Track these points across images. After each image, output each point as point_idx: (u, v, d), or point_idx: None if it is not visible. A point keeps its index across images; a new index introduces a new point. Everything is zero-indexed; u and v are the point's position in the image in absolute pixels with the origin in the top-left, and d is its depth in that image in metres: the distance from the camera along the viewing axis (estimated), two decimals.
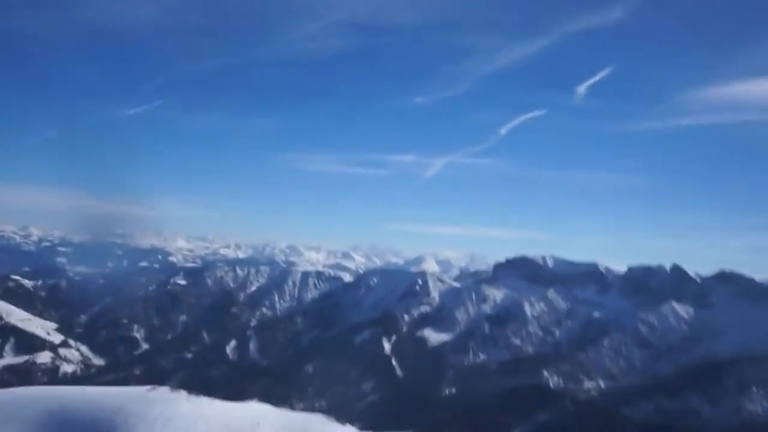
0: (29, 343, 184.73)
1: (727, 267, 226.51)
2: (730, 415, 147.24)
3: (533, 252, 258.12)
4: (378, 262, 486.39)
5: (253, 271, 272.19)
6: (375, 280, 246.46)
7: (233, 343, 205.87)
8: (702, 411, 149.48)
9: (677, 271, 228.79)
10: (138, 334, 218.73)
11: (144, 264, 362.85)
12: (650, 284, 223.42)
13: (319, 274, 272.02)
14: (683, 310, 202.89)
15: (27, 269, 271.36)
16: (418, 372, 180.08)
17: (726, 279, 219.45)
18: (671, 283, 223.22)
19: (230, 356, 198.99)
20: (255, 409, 53.84)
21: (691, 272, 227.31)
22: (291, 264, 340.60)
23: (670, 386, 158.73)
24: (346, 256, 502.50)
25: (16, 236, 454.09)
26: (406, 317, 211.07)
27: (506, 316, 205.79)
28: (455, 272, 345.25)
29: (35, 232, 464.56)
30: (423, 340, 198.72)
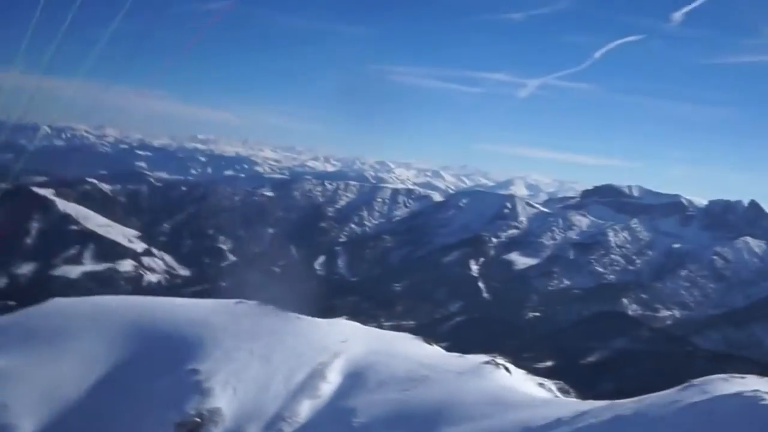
0: (110, 250, 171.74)
1: None
2: None
3: (619, 181, 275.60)
4: (468, 183, 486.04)
5: (342, 185, 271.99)
6: (464, 201, 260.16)
7: (321, 258, 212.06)
8: (766, 340, 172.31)
9: (754, 206, 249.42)
10: (224, 245, 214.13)
11: (229, 173, 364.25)
12: (728, 219, 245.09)
13: (408, 192, 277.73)
14: (756, 245, 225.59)
15: (104, 172, 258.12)
16: (504, 295, 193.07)
17: None
18: (747, 218, 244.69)
19: (318, 272, 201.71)
20: (343, 325, 53.43)
21: (767, 209, 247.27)
22: (380, 180, 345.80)
23: (738, 317, 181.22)
24: (436, 175, 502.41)
25: (90, 136, 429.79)
26: (494, 240, 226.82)
27: (591, 244, 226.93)
28: (543, 197, 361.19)
29: (111, 133, 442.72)
30: (509, 264, 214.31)
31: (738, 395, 29.34)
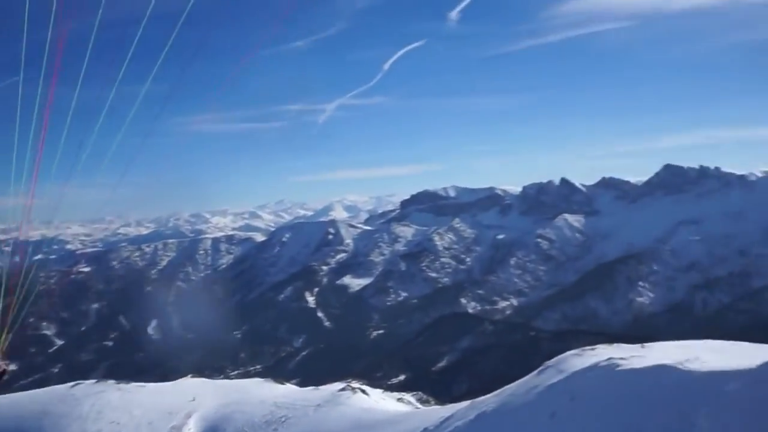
0: None
1: (608, 174, 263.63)
2: (623, 310, 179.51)
3: (436, 184, 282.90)
4: (287, 217, 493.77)
5: (160, 246, 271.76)
6: (287, 235, 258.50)
7: (154, 322, 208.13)
8: (600, 311, 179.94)
9: (565, 184, 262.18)
10: (48, 331, 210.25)
11: (39, 257, 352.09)
12: (544, 200, 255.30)
13: (229, 239, 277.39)
14: (575, 220, 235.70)
15: None
16: (345, 319, 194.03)
17: (608, 185, 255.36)
18: (561, 195, 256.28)
19: (154, 336, 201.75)
20: (189, 384, 53.23)
21: (577, 183, 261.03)
22: (199, 233, 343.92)
23: (572, 293, 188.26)
24: (253, 215, 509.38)
25: None
26: (324, 268, 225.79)
27: (419, 252, 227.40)
28: (364, 216, 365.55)
29: None
30: (344, 288, 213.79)
31: (594, 367, 29.80)
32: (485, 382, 64.09)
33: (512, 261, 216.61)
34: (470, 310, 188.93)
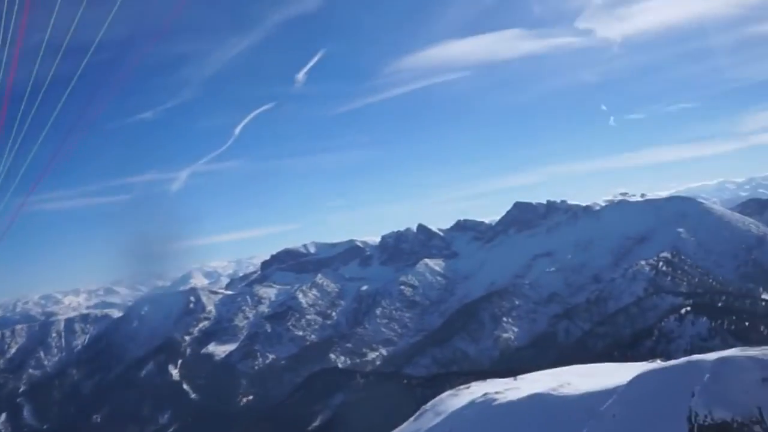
0: None
1: (463, 216, 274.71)
2: (491, 347, 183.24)
3: (297, 242, 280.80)
4: (144, 290, 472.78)
5: (8, 332, 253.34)
6: (145, 308, 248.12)
7: (3, 415, 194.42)
8: (468, 351, 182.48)
9: (423, 230, 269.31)
10: None
11: None
12: (403, 247, 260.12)
13: (84, 318, 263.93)
14: (435, 264, 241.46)
15: None
16: (212, 389, 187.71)
17: (463, 227, 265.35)
18: (420, 241, 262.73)
19: (3, 431, 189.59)
20: None
21: (434, 228, 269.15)
22: (50, 315, 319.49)
23: (440, 337, 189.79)
24: (109, 291, 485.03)
25: None
26: (186, 338, 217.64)
27: (284, 311, 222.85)
28: (225, 281, 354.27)
29: None
30: (210, 356, 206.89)
31: (471, 404, 30.39)
32: None
33: (378, 311, 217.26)
34: (340, 365, 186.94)
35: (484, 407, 29.25)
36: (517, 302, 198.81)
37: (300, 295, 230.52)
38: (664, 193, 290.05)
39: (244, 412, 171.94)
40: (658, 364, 29.28)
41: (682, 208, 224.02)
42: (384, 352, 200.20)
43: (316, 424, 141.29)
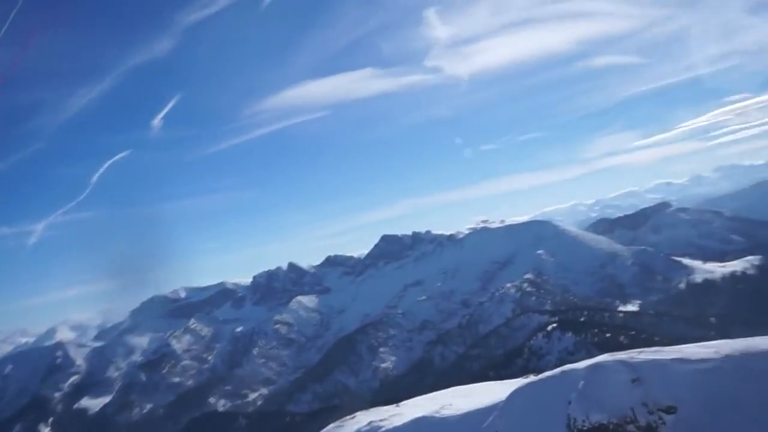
0: None
1: (333, 252, 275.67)
2: (370, 378, 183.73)
3: (164, 289, 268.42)
4: (7, 348, 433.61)
5: None
6: (10, 367, 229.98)
7: None
8: (348, 383, 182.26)
9: (293, 268, 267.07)
10: None
11: None
12: (275, 286, 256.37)
13: None
14: (309, 300, 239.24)
15: None
16: None
17: (333, 263, 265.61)
18: (291, 279, 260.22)
19: None
20: None
21: (304, 265, 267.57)
22: None
23: (319, 372, 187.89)
24: None
25: None
26: (57, 394, 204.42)
27: (158, 359, 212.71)
28: (93, 332, 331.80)
29: None
30: (84, 411, 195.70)
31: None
32: None
33: (255, 351, 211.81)
34: (221, 408, 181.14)
35: None
36: (392, 332, 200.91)
37: (173, 342, 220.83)
38: (522, 218, 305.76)
39: None
40: (532, 378, 30.14)
41: (540, 231, 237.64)
42: (265, 391, 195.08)
43: None
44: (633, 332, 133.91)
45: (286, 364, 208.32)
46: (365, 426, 29.55)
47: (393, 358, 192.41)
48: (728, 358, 19.35)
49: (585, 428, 20.38)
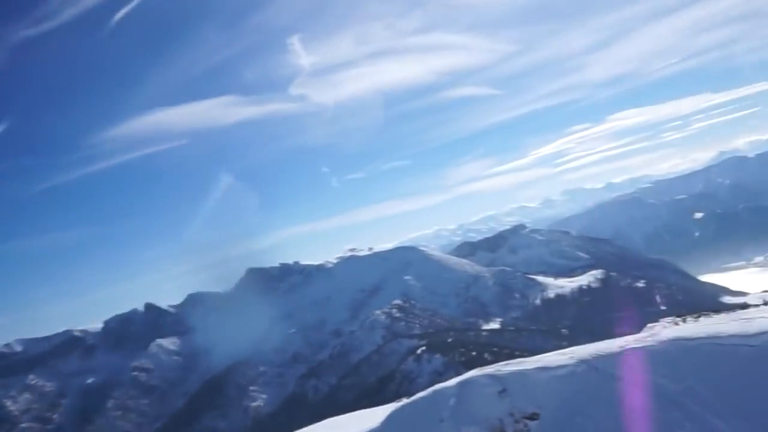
0: None
1: (195, 289, 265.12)
2: (241, 418, 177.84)
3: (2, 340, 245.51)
4: None
5: None
6: None
7: None
8: (219, 426, 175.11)
9: (151, 308, 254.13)
10: None
11: None
12: (131, 330, 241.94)
13: None
14: (170, 343, 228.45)
15: None
16: None
17: (196, 301, 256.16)
18: (149, 322, 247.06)
19: None
20: None
21: (164, 305, 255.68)
22: None
23: (184, 418, 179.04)
24: None
25: None
26: None
27: None
28: None
29: None
30: None
31: None
32: None
33: (109, 403, 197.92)
34: None
35: None
36: (261, 368, 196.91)
37: (9, 402, 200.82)
38: (389, 245, 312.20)
39: None
40: (405, 401, 30.82)
41: (406, 256, 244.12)
42: None
43: None
44: (496, 348, 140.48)
45: (146, 414, 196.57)
46: None
47: (264, 396, 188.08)
48: (581, 362, 21.04)
49: None
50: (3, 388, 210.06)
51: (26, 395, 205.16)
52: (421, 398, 25.90)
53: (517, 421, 20.11)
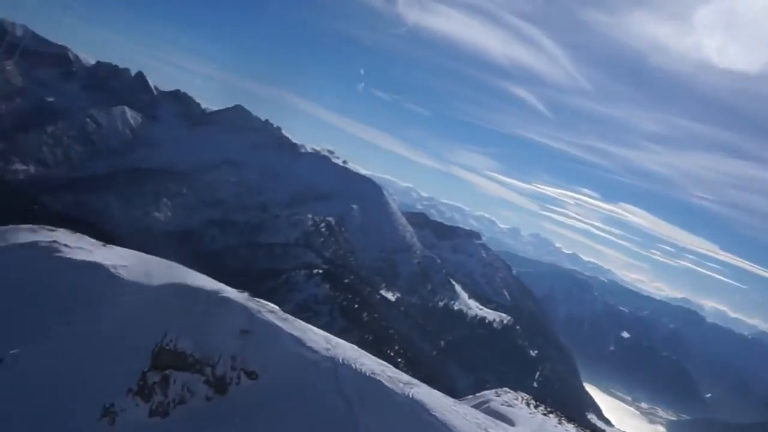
0: None
1: (185, 88, 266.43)
2: (138, 218, 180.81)
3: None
4: None
5: None
6: None
7: None
8: (114, 211, 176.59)
9: (140, 78, 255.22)
10: None
11: None
12: (111, 84, 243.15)
13: None
14: (132, 116, 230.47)
15: None
16: None
17: (179, 98, 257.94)
18: (131, 87, 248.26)
19: None
20: None
21: (152, 83, 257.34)
22: None
23: (96, 184, 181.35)
24: None
25: None
26: None
27: None
28: None
29: None
30: None
31: (33, 244, 30.30)
32: None
33: (50, 129, 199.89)
34: None
35: (41, 253, 29.99)
36: (185, 191, 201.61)
37: None
38: (362, 170, 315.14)
39: None
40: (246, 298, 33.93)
41: (368, 190, 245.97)
42: (32, 169, 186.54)
43: None
44: (392, 331, 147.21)
45: (71, 159, 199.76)
46: (46, 241, 30.87)
47: (170, 214, 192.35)
48: (331, 359, 26.63)
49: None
50: None
51: None
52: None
53: None
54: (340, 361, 27.08)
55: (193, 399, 23.29)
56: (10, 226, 34.37)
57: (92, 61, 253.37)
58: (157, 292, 29.87)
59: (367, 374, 25.10)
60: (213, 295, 30.19)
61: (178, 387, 23.24)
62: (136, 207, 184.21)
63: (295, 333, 27.72)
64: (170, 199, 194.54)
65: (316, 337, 28.66)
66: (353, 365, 25.76)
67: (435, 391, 29.02)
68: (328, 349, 28.09)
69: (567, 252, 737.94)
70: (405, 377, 27.61)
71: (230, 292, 31.10)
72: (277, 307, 33.26)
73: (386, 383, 24.87)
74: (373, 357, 31.56)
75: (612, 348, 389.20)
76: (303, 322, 31.95)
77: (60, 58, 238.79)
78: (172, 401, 22.93)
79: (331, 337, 31.08)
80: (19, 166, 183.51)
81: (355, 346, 33.00)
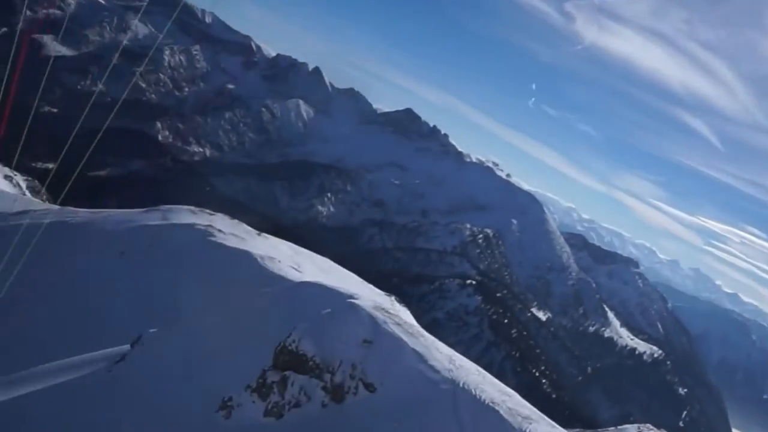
0: None
1: (361, 88, 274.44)
2: (301, 210, 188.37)
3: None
4: None
5: None
6: None
7: None
8: (281, 200, 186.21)
9: (317, 73, 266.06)
10: None
11: None
12: (289, 77, 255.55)
13: None
14: (305, 110, 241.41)
15: None
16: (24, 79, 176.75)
17: (353, 96, 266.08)
18: (308, 82, 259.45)
19: None
20: None
21: (327, 79, 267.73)
22: None
23: (266, 172, 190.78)
24: None
25: None
26: (29, 12, 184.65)
27: (141, 55, 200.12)
28: None
29: None
30: (39, 45, 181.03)
31: (191, 226, 32.44)
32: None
33: (227, 114, 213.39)
34: (160, 138, 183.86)
35: (198, 235, 31.92)
36: (348, 188, 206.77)
37: (167, 51, 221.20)
38: (525, 185, 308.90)
39: (38, 120, 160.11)
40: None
41: (527, 204, 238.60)
42: (208, 152, 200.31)
43: (100, 172, 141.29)
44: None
45: (244, 145, 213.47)
46: (203, 225, 32.83)
47: (332, 209, 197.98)
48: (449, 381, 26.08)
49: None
50: (172, 38, 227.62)
51: (181, 57, 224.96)
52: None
53: None
54: (461, 384, 25.58)
55: (308, 404, 22.94)
56: (175, 206, 36.92)
57: (273, 53, 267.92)
58: (293, 288, 30.12)
59: (486, 402, 23.60)
60: (342, 299, 30.03)
61: (296, 390, 23.02)
62: (301, 199, 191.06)
63: (419, 348, 26.76)
64: (334, 194, 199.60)
65: (440, 355, 27.54)
66: (473, 390, 24.39)
67: (557, 428, 27.13)
68: (450, 370, 26.71)
69: (727, 291, 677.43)
70: (526, 411, 25.80)
71: (366, 296, 30.88)
72: (406, 319, 32.45)
73: (504, 415, 23.26)
74: (497, 382, 29.62)
75: (766, 396, 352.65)
76: (430, 337, 30.80)
77: (243, 47, 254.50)
78: (288, 403, 22.81)
79: (457, 356, 29.85)
80: (196, 148, 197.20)
81: (481, 369, 31.24)
